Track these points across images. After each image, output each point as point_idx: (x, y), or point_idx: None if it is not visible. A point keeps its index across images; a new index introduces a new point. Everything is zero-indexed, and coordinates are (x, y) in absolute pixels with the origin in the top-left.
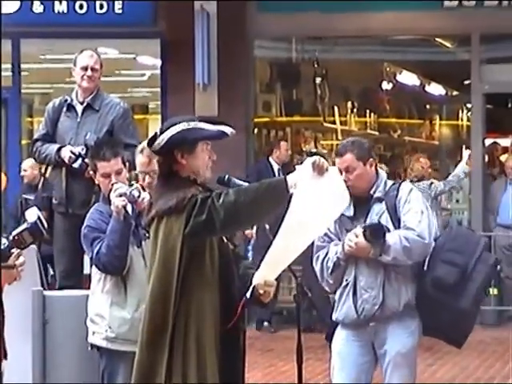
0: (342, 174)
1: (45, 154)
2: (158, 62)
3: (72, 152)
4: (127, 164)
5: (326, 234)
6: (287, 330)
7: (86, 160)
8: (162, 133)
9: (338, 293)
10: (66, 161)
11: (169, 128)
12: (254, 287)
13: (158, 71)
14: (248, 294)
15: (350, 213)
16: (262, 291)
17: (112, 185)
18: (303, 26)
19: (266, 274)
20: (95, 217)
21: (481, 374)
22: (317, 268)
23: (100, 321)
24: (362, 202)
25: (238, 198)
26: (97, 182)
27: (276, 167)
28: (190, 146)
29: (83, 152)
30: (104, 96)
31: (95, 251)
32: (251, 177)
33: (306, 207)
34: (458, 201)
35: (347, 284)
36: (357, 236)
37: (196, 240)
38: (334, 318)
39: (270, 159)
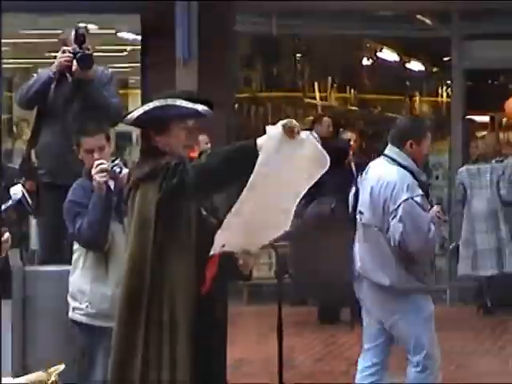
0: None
1: (32, 81)
2: (139, 37)
3: (69, 51)
4: (110, 140)
5: None
6: (267, 306)
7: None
8: (137, 108)
9: None
10: (63, 61)
11: (144, 104)
12: (228, 253)
13: (139, 46)
14: (211, 252)
15: None
16: (241, 261)
17: (94, 161)
18: (284, 2)
19: (242, 244)
20: (78, 192)
21: (461, 349)
22: None
23: (80, 297)
24: None
25: (208, 161)
26: (80, 157)
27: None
28: (163, 124)
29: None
30: None
31: (77, 226)
32: None
33: (273, 171)
34: (437, 177)
35: None
36: None
37: (170, 205)
38: None
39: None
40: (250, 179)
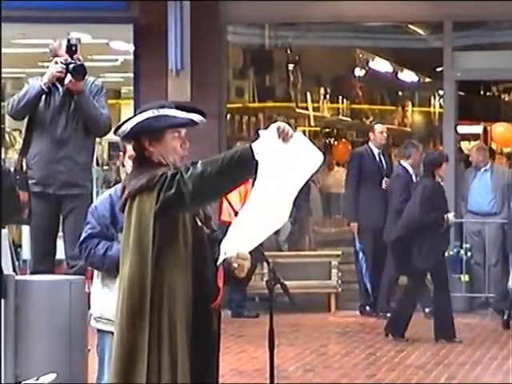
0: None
1: (23, 92)
2: (131, 48)
3: (61, 62)
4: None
5: None
6: (259, 316)
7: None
8: (129, 119)
9: None
10: (55, 73)
11: (137, 115)
12: (225, 259)
13: (131, 56)
14: (218, 262)
15: None
16: (235, 265)
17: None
18: (276, 13)
19: (238, 247)
20: (105, 205)
21: (452, 360)
22: None
23: (93, 302)
24: None
25: (205, 169)
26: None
27: (376, 151)
28: (157, 133)
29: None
30: None
31: (83, 247)
32: (353, 163)
33: (273, 174)
34: None
35: None
36: None
37: (167, 215)
38: None
39: (370, 144)
40: (254, 187)
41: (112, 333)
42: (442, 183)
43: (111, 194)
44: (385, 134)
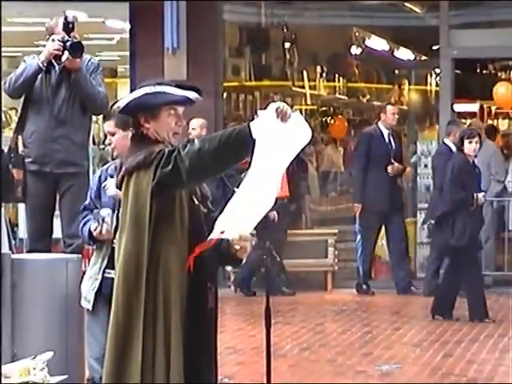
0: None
1: (20, 70)
2: (127, 26)
3: (59, 40)
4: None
5: None
6: (256, 294)
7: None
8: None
9: None
10: (52, 50)
11: (133, 91)
12: (228, 242)
13: (127, 35)
14: (210, 237)
15: None
16: (237, 247)
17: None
18: None
19: (239, 229)
20: (96, 182)
21: (448, 337)
22: None
23: (83, 282)
24: None
25: (202, 146)
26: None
27: (386, 132)
28: (153, 110)
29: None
30: None
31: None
32: (362, 143)
33: (271, 154)
34: (426, 166)
35: None
36: None
37: (164, 192)
38: None
39: (379, 124)
40: (251, 167)
41: None
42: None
43: (103, 170)
44: (396, 116)
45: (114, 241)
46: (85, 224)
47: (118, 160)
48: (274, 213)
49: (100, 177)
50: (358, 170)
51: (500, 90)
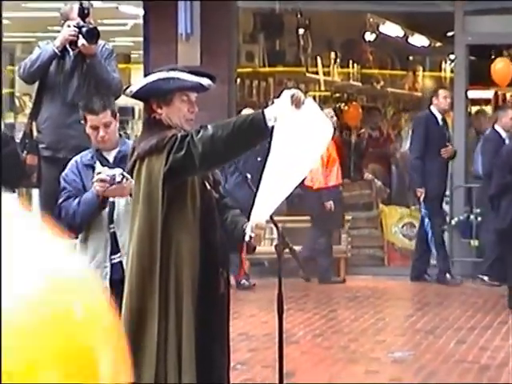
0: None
1: (36, 56)
2: (141, 12)
3: (74, 26)
4: (117, 116)
5: None
6: (268, 281)
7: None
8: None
9: None
10: (68, 36)
11: (147, 76)
12: (243, 229)
13: (141, 21)
14: (247, 237)
15: None
16: (253, 234)
17: (99, 137)
18: None
19: (257, 216)
20: (73, 170)
21: (462, 324)
22: None
23: None
24: None
25: (215, 132)
26: (87, 132)
27: (439, 116)
28: (166, 95)
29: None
30: None
31: (63, 211)
32: (417, 128)
33: (290, 142)
34: None
35: None
36: None
37: (176, 177)
38: None
39: (432, 108)
40: (270, 154)
41: None
42: None
43: (77, 161)
44: (448, 100)
45: (112, 226)
46: (77, 201)
47: (92, 148)
48: (331, 202)
49: (77, 167)
50: (417, 154)
51: (498, 65)
